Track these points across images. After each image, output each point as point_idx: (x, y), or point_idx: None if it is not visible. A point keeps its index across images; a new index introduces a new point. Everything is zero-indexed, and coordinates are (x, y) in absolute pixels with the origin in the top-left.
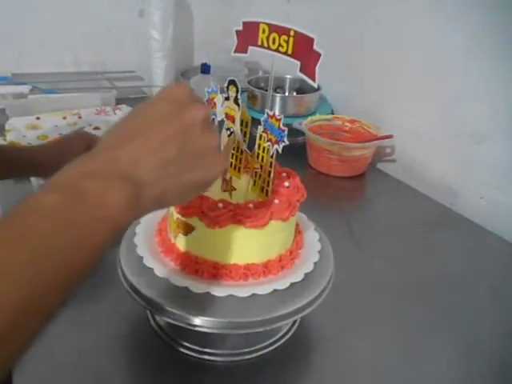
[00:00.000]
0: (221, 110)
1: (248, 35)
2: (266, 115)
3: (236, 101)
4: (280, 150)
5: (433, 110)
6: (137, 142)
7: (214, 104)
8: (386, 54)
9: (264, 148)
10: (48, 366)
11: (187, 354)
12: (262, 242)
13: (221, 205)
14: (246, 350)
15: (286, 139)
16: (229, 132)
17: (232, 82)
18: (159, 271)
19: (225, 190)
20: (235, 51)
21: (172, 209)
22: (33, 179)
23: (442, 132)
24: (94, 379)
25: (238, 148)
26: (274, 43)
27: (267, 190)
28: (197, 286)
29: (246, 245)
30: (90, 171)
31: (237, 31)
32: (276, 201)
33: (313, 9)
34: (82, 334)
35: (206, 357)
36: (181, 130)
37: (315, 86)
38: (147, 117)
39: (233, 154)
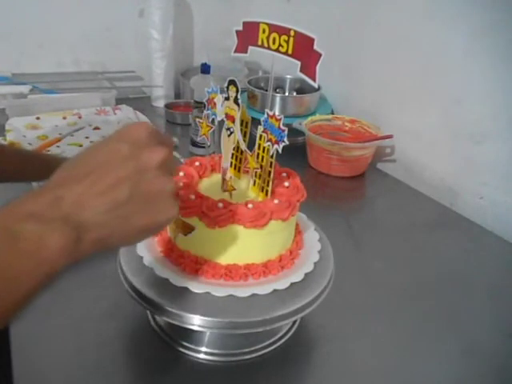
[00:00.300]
0: (221, 109)
1: (248, 35)
2: (265, 115)
3: (236, 101)
4: (280, 150)
5: (433, 110)
6: (85, 182)
7: (214, 104)
8: (385, 54)
9: (264, 148)
10: (48, 365)
11: (187, 354)
12: (262, 242)
13: (221, 205)
14: (246, 350)
15: (285, 139)
16: (229, 132)
17: (232, 82)
18: (159, 271)
19: (225, 190)
20: (235, 51)
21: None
22: None
23: (441, 132)
24: (94, 379)
25: (237, 148)
26: (274, 43)
27: (267, 190)
28: (197, 286)
29: (246, 245)
30: (29, 212)
31: (237, 31)
32: (276, 201)
33: (313, 9)
34: (82, 334)
35: (206, 357)
36: (134, 172)
37: (315, 86)
38: (101, 157)
39: (233, 154)
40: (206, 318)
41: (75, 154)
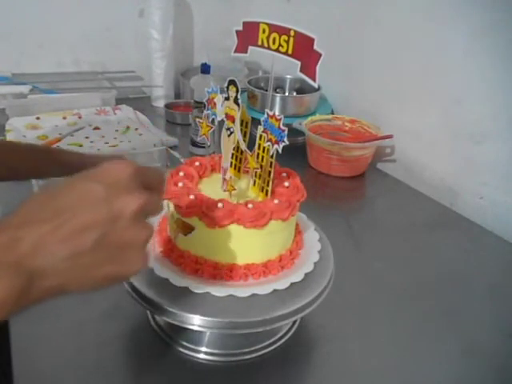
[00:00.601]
0: (221, 109)
1: (248, 35)
2: (265, 115)
3: (236, 101)
4: (280, 150)
5: (433, 110)
6: (49, 225)
7: (214, 104)
8: (385, 54)
9: (264, 148)
10: (48, 365)
11: (187, 354)
12: (261, 241)
13: (221, 205)
14: (246, 350)
15: (285, 139)
16: (229, 132)
17: (232, 82)
18: (159, 271)
19: (225, 190)
20: (235, 51)
21: (172, 208)
22: (33, 180)
23: (441, 132)
24: (94, 379)
25: (237, 148)
26: (274, 43)
27: (267, 190)
28: (197, 286)
29: (246, 245)
30: None
31: (237, 31)
32: (276, 201)
33: (313, 9)
34: (82, 334)
35: (206, 357)
36: (105, 219)
37: (315, 86)
38: (72, 196)
39: (233, 154)
40: (205, 318)
41: (47, 188)
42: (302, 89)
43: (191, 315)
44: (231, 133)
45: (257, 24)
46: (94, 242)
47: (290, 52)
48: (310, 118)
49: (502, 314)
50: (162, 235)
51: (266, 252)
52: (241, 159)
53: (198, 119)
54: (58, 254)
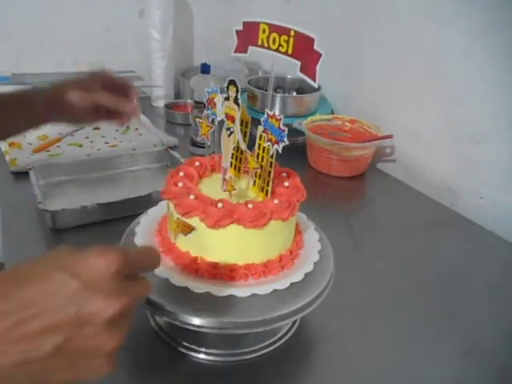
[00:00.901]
0: (221, 109)
1: (248, 35)
2: (266, 115)
3: (236, 101)
4: (280, 150)
5: (433, 110)
6: (9, 319)
7: (214, 104)
8: (385, 54)
9: (264, 148)
10: None
11: (187, 354)
12: (262, 241)
13: (221, 205)
14: (246, 350)
15: (286, 139)
16: (229, 132)
17: (232, 82)
18: (159, 271)
19: (225, 190)
20: (235, 51)
21: (172, 208)
22: (33, 179)
23: (441, 132)
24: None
25: (237, 148)
26: (274, 43)
27: (267, 190)
28: (197, 286)
29: (246, 245)
30: None
31: (237, 31)
32: (276, 201)
33: (313, 9)
34: None
35: (206, 357)
36: (71, 323)
37: (315, 86)
38: (42, 288)
39: (233, 154)
40: (205, 318)
41: (17, 266)
42: (302, 89)
43: (191, 315)
44: (231, 133)
45: (257, 24)
46: (54, 348)
47: (289, 52)
48: (309, 118)
49: (502, 314)
50: (162, 235)
51: (266, 252)
52: (241, 159)
53: (197, 119)
54: (9, 358)
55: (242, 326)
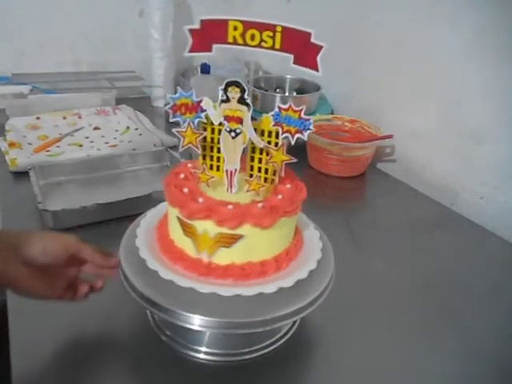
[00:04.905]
0: (214, 114)
1: (211, 33)
2: (276, 109)
3: (242, 101)
4: (306, 138)
5: (433, 110)
6: None
7: (185, 110)
8: (386, 54)
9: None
10: (48, 365)
11: (187, 354)
12: (264, 240)
13: (231, 206)
14: (246, 349)
15: (311, 126)
16: (234, 134)
17: (234, 83)
18: (159, 270)
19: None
20: (190, 51)
21: (202, 228)
22: (33, 179)
23: (441, 132)
24: (94, 379)
25: (253, 149)
26: (253, 39)
27: (273, 179)
28: (197, 286)
29: (248, 244)
30: None
31: (191, 30)
32: (279, 196)
33: (313, 9)
34: (82, 334)
35: (206, 357)
36: None
37: (319, 74)
38: None
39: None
40: (206, 318)
41: None
42: (302, 89)
43: (191, 315)
44: (237, 134)
45: (223, 21)
46: None
47: (277, 47)
48: None
49: (502, 314)
50: (162, 235)
51: (265, 251)
52: (260, 159)
53: (175, 130)
54: None
55: (242, 326)
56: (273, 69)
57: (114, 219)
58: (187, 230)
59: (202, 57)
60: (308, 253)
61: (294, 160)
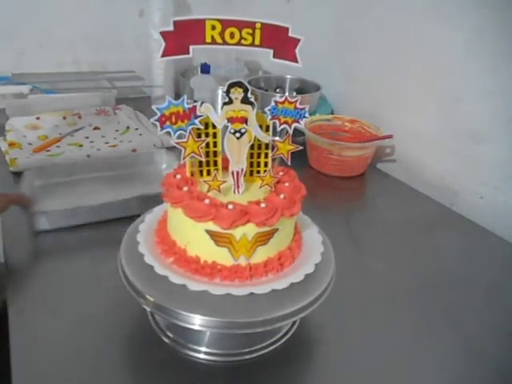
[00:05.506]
0: (216, 118)
1: (186, 35)
2: (273, 103)
3: (245, 101)
4: (303, 125)
5: (433, 110)
6: None
7: (177, 118)
8: (386, 54)
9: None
10: (48, 365)
11: (187, 354)
12: (290, 229)
13: (231, 206)
14: (246, 349)
15: (307, 114)
16: (238, 134)
17: (237, 84)
18: (159, 270)
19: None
20: (163, 55)
21: (236, 232)
22: (25, 182)
23: (441, 132)
24: (94, 379)
25: (259, 145)
26: (232, 38)
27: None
28: (197, 286)
29: (280, 236)
30: None
31: (163, 32)
32: (281, 195)
33: (313, 9)
34: (82, 334)
35: (206, 357)
36: None
37: (299, 65)
38: None
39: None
40: (205, 318)
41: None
42: (302, 89)
43: (191, 315)
44: (241, 134)
45: (200, 21)
46: None
47: (257, 43)
48: (310, 118)
49: (502, 314)
50: (162, 235)
51: (265, 252)
52: (266, 154)
53: (173, 141)
54: None
55: (242, 326)
56: (273, 69)
57: (114, 219)
58: (222, 241)
59: (202, 57)
60: (310, 250)
61: (300, 148)
